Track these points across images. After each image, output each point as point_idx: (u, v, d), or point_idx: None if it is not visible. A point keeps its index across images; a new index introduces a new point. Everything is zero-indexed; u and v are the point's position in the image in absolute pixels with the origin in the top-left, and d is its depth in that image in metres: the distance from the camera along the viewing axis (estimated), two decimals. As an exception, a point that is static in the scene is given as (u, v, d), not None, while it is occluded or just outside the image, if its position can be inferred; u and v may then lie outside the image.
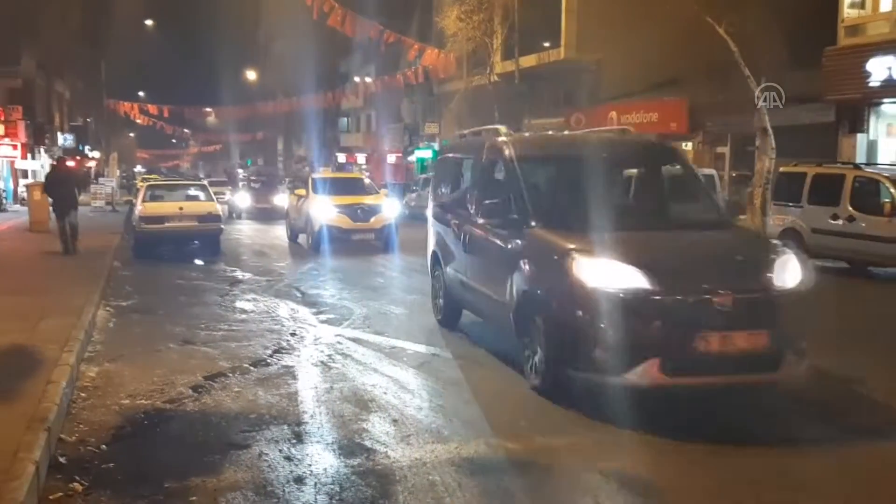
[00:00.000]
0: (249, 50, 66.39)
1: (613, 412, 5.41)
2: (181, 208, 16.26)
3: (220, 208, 17.32)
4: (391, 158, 50.57)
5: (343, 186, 18.56)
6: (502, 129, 8.59)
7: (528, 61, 30.20)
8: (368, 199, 17.59)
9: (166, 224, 15.93)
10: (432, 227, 9.27)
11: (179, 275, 13.50)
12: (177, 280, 12.89)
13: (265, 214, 27.35)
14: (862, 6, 18.68)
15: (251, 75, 59.98)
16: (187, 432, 5.34)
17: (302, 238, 18.52)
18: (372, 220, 16.97)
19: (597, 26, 26.15)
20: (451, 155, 9.67)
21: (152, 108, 58.19)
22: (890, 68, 17.23)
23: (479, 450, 4.88)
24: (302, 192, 18.22)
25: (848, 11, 18.57)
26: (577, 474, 4.56)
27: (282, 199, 25.72)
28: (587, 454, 4.86)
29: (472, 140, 9.10)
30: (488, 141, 7.99)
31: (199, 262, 15.38)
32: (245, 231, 23.51)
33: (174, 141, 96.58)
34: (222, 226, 16.83)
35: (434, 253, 9.02)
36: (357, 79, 49.25)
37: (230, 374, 6.76)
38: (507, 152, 7.30)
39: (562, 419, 5.52)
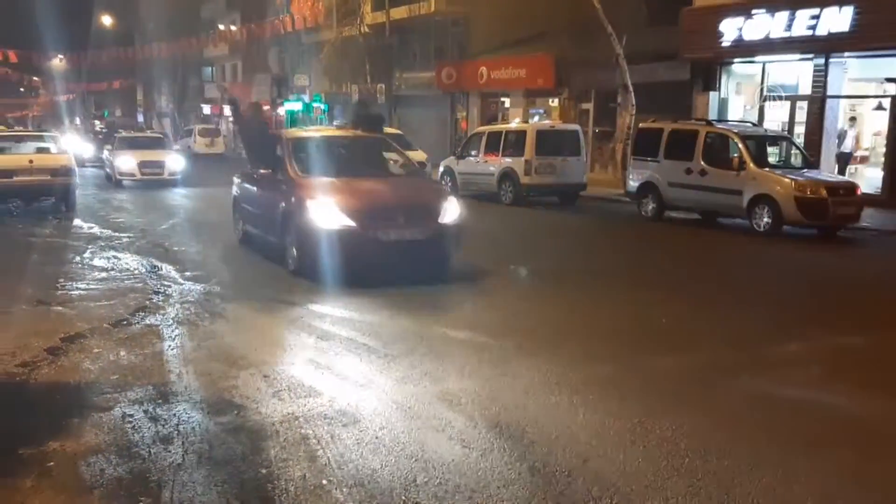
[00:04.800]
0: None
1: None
2: (31, 161, 15.27)
3: (73, 160, 16.33)
4: (259, 110, 49.05)
5: None
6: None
7: (399, 13, 29.89)
8: None
9: (15, 178, 14.92)
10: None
11: (31, 232, 12.78)
12: (29, 238, 12.18)
13: None
14: (717, -32, 19.54)
15: (107, 19, 56.27)
16: (43, 396, 5.10)
17: None
18: None
19: (467, -21, 26.18)
20: None
21: (-5, 53, 53.75)
22: (740, 29, 18.19)
23: (352, 402, 4.92)
24: None
25: (704, -27, 19.41)
26: (432, 412, 4.67)
27: None
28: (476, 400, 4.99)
29: None
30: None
31: (53, 218, 14.59)
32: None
33: (22, 90, 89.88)
34: (77, 180, 15.92)
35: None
36: (222, 26, 47.30)
37: (89, 335, 6.47)
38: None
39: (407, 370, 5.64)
